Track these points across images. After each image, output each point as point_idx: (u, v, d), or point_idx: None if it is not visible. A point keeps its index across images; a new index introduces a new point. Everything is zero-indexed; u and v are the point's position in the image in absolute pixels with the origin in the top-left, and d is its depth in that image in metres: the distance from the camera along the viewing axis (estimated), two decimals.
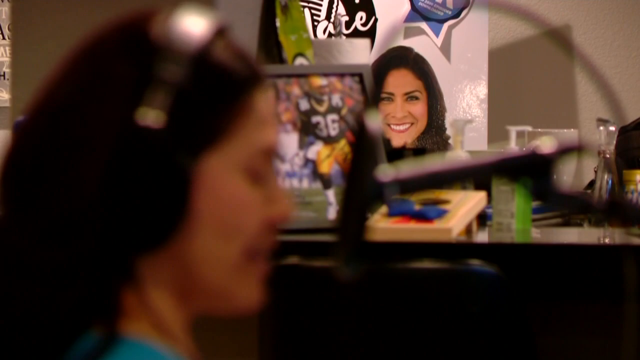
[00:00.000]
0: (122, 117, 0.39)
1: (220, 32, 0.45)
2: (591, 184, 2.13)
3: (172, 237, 0.40)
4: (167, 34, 0.41)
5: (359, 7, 3.25)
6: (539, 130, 2.19)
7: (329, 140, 1.81)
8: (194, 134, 0.41)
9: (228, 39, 0.46)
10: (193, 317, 0.46)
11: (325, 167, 1.81)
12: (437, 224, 1.68)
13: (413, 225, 1.70)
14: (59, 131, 0.41)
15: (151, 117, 0.38)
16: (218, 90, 0.42)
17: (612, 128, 1.91)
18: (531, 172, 0.43)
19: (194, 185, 0.40)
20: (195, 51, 0.41)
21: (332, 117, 1.81)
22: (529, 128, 2.06)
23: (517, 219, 1.74)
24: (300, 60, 2.04)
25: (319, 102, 1.79)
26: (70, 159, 0.40)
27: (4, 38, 3.82)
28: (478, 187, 1.75)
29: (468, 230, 1.77)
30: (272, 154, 0.46)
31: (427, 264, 1.64)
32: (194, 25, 0.42)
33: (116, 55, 0.42)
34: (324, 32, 3.19)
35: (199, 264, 0.42)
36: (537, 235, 1.84)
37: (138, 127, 0.38)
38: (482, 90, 3.43)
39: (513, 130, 1.99)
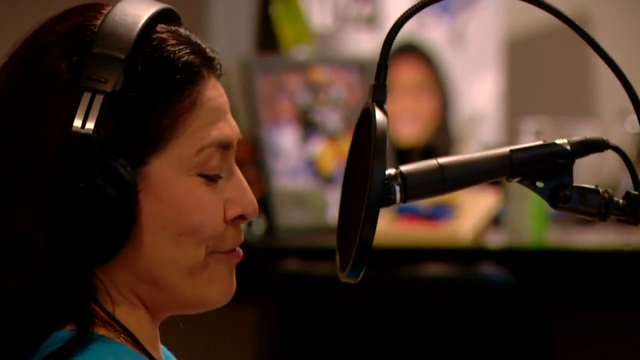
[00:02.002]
0: (60, 130, 0.38)
1: (162, 23, 0.43)
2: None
3: (123, 246, 0.39)
4: (103, 31, 0.40)
5: None
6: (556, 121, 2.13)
7: (330, 136, 1.76)
8: (134, 140, 0.40)
9: (173, 28, 0.43)
10: (164, 317, 0.46)
11: (327, 165, 1.76)
12: (446, 226, 1.62)
13: (421, 228, 1.64)
14: None
15: (87, 127, 0.37)
16: (157, 90, 0.40)
17: (634, 122, 1.83)
18: (549, 167, 0.40)
19: (141, 193, 0.39)
20: (130, 50, 0.39)
21: (334, 111, 1.74)
22: (545, 119, 2.00)
23: (532, 220, 1.67)
24: (299, 50, 1.98)
25: (320, 95, 1.72)
26: (9, 180, 0.39)
27: None
28: (490, 184, 1.68)
29: (480, 231, 1.69)
30: (228, 147, 0.44)
31: (434, 270, 1.59)
32: (131, 20, 0.40)
33: (53, 56, 0.40)
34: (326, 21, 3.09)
35: (155, 268, 0.41)
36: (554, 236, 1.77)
37: (75, 140, 0.37)
38: (496, 80, 3.34)
39: (529, 121, 1.91)
